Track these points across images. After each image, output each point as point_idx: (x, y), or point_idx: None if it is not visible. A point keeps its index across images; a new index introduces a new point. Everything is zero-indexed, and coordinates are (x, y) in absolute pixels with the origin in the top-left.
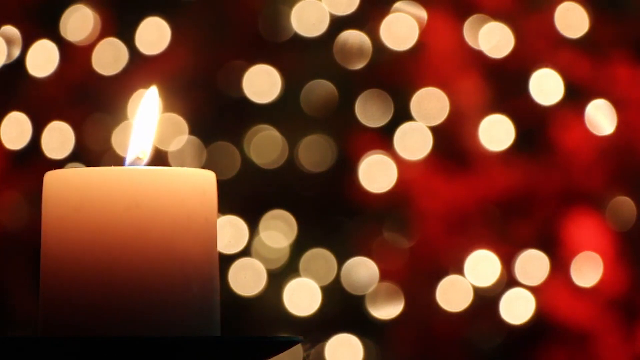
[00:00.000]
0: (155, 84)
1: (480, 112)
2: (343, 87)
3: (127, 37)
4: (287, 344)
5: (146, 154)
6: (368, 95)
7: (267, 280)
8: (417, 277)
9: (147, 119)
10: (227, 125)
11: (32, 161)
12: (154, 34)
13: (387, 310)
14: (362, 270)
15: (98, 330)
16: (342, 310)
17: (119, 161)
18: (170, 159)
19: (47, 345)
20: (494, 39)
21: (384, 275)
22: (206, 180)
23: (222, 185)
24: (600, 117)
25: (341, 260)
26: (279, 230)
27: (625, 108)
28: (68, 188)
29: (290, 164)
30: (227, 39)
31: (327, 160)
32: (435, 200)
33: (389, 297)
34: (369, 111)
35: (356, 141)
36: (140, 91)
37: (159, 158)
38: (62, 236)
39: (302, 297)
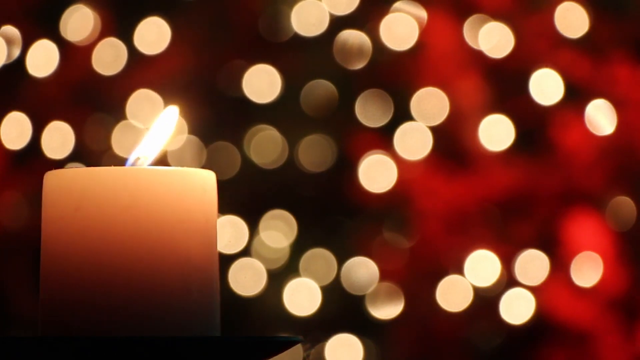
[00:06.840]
0: (155, 84)
1: (480, 112)
2: (343, 87)
3: (127, 37)
4: (287, 344)
5: (147, 159)
6: (368, 95)
7: (267, 280)
8: (417, 277)
9: (161, 132)
10: (227, 125)
11: (32, 161)
12: (154, 34)
13: (387, 310)
14: (362, 270)
15: (98, 330)
16: (342, 310)
17: (119, 161)
18: (170, 159)
19: (47, 345)
20: (494, 39)
21: (384, 275)
22: (206, 180)
23: (222, 185)
24: (600, 117)
25: (341, 260)
26: (279, 230)
27: (625, 108)
28: (68, 188)
29: (290, 164)
30: (227, 39)
31: (327, 160)
32: (435, 200)
33: (389, 297)
34: (369, 111)
35: (356, 141)
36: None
37: (159, 158)
38: (62, 236)
39: (302, 297)
